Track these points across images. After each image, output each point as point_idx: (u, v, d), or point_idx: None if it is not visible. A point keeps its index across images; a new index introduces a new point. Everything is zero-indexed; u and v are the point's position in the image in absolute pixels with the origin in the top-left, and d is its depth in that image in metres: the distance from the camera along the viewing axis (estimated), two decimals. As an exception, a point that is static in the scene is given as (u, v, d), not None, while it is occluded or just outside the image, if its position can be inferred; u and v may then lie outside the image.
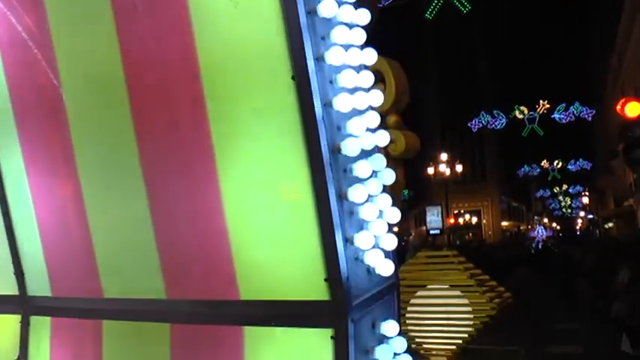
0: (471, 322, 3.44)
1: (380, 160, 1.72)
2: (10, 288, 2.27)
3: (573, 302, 12.03)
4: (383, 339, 1.72)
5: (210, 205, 1.69)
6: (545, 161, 44.73)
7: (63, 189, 2.05)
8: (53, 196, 2.09)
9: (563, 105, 37.03)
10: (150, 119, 1.80)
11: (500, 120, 38.79)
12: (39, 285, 2.19)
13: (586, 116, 37.43)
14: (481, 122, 39.24)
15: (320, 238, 1.57)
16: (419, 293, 3.54)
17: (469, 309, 3.49)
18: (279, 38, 1.52)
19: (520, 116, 38.35)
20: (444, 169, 27.28)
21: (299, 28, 1.50)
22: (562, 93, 38.73)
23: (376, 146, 1.71)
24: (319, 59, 1.54)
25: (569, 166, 43.91)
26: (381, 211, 1.69)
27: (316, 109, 1.52)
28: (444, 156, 27.78)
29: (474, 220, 41.21)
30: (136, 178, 1.81)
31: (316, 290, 1.60)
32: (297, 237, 1.61)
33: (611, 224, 44.20)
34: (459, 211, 39.68)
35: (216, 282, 1.75)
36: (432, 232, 26.97)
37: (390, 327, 1.75)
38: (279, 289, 1.66)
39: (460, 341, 3.44)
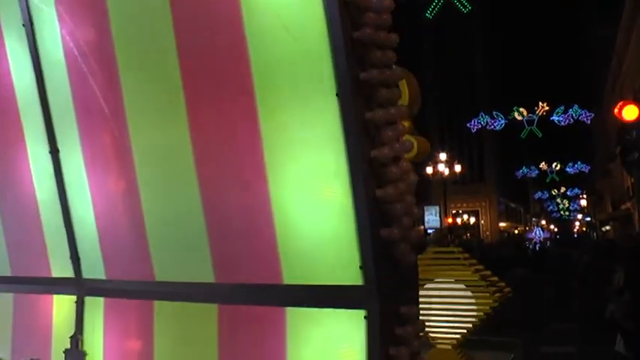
0: (475, 314, 3.73)
1: (406, 165, 2.00)
2: (66, 271, 2.54)
3: (569, 303, 12.13)
4: (406, 321, 2.00)
5: (259, 200, 1.97)
6: (543, 163, 45.07)
7: (119, 178, 2.31)
8: (109, 185, 2.35)
9: (562, 107, 37.32)
10: (205, 124, 2.07)
11: (500, 121, 39.10)
12: (93, 269, 2.45)
13: (585, 119, 37.71)
14: (480, 123, 39.49)
15: (356, 231, 1.85)
16: (427, 286, 3.83)
17: (473, 301, 3.78)
18: (325, 59, 1.79)
19: (519, 118, 38.64)
20: (442, 168, 27.51)
21: (342, 51, 1.78)
22: (561, 95, 39.09)
23: (403, 153, 1.99)
24: (358, 78, 1.82)
25: (568, 169, 44.28)
26: (407, 209, 1.97)
27: (355, 122, 1.79)
28: (442, 156, 27.99)
29: (472, 220, 41.53)
30: (189, 170, 2.09)
31: (351, 276, 1.87)
32: (335, 230, 1.89)
33: (608, 227, 44.57)
34: (457, 211, 39.98)
35: (262, 268, 2.02)
36: (429, 231, 27.26)
37: (412, 310, 2.04)
38: (318, 275, 1.93)
39: (465, 331, 3.73)
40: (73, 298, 2.53)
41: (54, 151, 2.46)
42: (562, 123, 38.19)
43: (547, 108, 38.01)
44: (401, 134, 1.98)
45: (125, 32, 2.20)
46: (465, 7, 47.69)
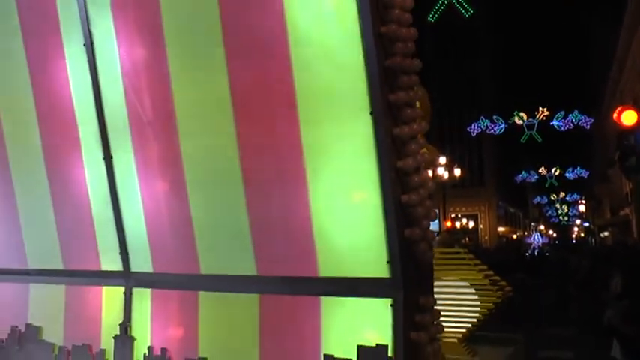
0: (479, 310, 4.06)
1: (426, 174, 2.33)
2: (116, 265, 2.85)
3: (567, 308, 12.39)
4: (424, 309, 2.32)
5: (299, 202, 2.28)
6: (542, 168, 45.41)
7: (168, 180, 2.62)
8: (158, 186, 2.66)
9: (562, 112, 37.69)
10: (251, 132, 2.38)
11: (499, 125, 39.47)
12: (141, 262, 2.76)
13: (584, 124, 38.04)
14: (480, 127, 39.83)
15: (384, 231, 2.16)
16: (434, 284, 4.14)
17: (477, 298, 4.11)
18: (361, 83, 2.11)
19: (519, 122, 39.00)
20: (442, 172, 27.82)
21: (376, 76, 2.10)
22: (561, 100, 39.51)
23: (423, 164, 2.31)
24: (388, 99, 2.14)
25: (567, 174, 44.65)
26: (426, 213, 2.29)
27: (385, 137, 2.12)
28: (442, 159, 28.29)
29: (471, 224, 41.90)
30: (235, 173, 2.40)
31: (380, 270, 2.19)
32: (366, 229, 2.21)
33: (606, 233, 44.96)
34: (456, 215, 40.34)
35: (300, 262, 2.33)
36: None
37: (429, 300, 2.36)
38: (350, 268, 2.25)
39: (470, 325, 4.06)
40: (122, 289, 2.84)
41: (107, 157, 2.77)
42: (562, 128, 38.50)
43: (547, 113, 38.34)
44: (421, 147, 2.30)
45: (178, 49, 2.52)
46: (467, 11, 48.16)
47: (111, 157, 2.76)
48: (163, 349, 2.65)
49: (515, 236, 50.29)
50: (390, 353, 2.17)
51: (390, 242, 2.17)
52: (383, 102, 2.11)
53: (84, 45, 2.71)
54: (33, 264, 3.20)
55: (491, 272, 4.52)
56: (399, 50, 2.14)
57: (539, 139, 39.17)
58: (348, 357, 2.21)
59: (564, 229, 61.29)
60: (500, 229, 47.22)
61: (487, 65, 46.70)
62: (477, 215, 44.59)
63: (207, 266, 2.58)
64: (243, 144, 2.38)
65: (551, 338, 10.59)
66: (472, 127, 39.62)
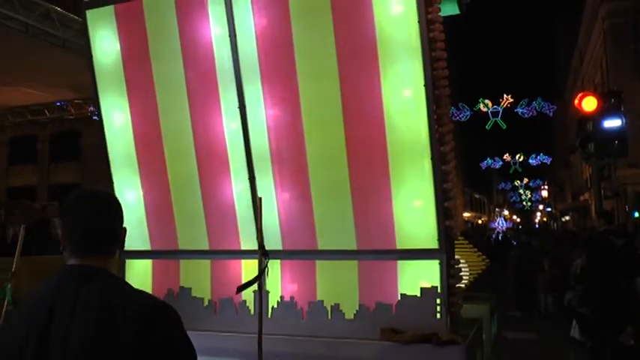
0: (468, 275, 6.08)
1: (456, 180, 4.30)
2: (252, 245, 4.69)
3: (530, 291, 13.49)
4: (454, 266, 4.29)
5: (386, 204, 4.20)
6: (507, 154, 48.16)
7: (297, 190, 4.48)
8: (288, 195, 4.52)
9: (526, 100, 40.37)
10: (358, 166, 4.28)
11: (465, 112, 41.95)
12: (274, 243, 4.61)
13: (547, 111, 40.82)
14: (446, 114, 41.84)
15: (435, 221, 4.11)
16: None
17: (467, 267, 6.12)
18: (426, 142, 4.04)
19: (484, 109, 41.53)
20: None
21: (435, 139, 4.03)
22: (525, 88, 42.29)
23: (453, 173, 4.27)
24: (440, 150, 4.07)
25: (531, 160, 47.53)
26: (456, 209, 4.26)
27: (438, 171, 4.06)
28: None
29: (438, 211, 44.16)
30: (345, 187, 4.29)
31: (432, 243, 4.14)
32: (425, 221, 4.15)
33: (568, 217, 48.44)
34: (424, 203, 42.52)
35: (384, 240, 4.26)
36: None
37: (455, 261, 4.34)
38: (415, 243, 4.19)
39: (463, 286, 6.07)
40: (257, 261, 4.70)
41: (252, 178, 4.61)
42: (526, 115, 40.85)
43: (511, 100, 40.66)
44: (454, 175, 4.26)
45: (309, 111, 4.37)
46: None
47: (254, 178, 4.60)
48: (292, 297, 4.55)
49: (480, 221, 53.52)
50: (439, 291, 4.14)
51: (438, 228, 4.12)
52: (437, 152, 4.05)
53: (238, 107, 4.54)
54: (183, 245, 5.01)
55: (475, 249, 6.59)
56: (446, 132, 4.09)
57: (504, 126, 41.58)
58: (415, 294, 4.17)
59: (528, 214, 65.14)
60: (466, 214, 50.21)
61: (452, 53, 49.15)
62: (443, 202, 47.28)
63: (322, 244, 4.47)
64: (353, 177, 4.27)
65: (514, 320, 12.06)
66: (438, 113, 41.74)
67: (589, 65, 38.05)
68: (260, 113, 4.49)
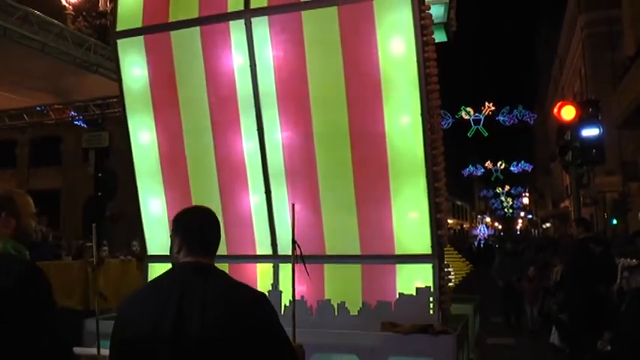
0: (453, 279, 6.87)
1: (446, 194, 5.08)
2: (266, 250, 5.41)
3: (516, 302, 13.27)
4: (444, 269, 5.06)
5: (386, 215, 4.96)
6: (489, 162, 49.44)
7: (309, 202, 5.21)
8: (302, 206, 5.25)
9: (508, 108, 41.66)
10: (363, 185, 5.03)
11: (447, 120, 43.12)
12: (287, 249, 5.34)
13: (528, 119, 42.19)
14: (428, 121, 42.87)
15: (429, 230, 4.88)
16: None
17: (453, 271, 6.92)
18: (422, 163, 4.81)
19: (466, 117, 42.74)
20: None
21: (430, 163, 4.80)
22: (507, 96, 43.55)
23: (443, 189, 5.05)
24: (433, 169, 4.85)
25: (512, 168, 48.87)
26: (445, 220, 5.04)
27: (432, 188, 4.83)
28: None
29: (421, 217, 45.17)
30: (351, 201, 5.04)
31: (427, 249, 4.91)
32: (420, 230, 4.92)
33: (548, 224, 49.81)
34: (407, 209, 43.51)
35: (384, 245, 5.02)
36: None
37: (445, 265, 5.12)
38: (412, 249, 4.96)
39: (451, 285, 6.86)
40: (271, 265, 5.42)
41: (267, 192, 5.34)
42: (507, 123, 42.08)
43: (493, 108, 41.82)
44: (444, 190, 5.03)
45: (321, 135, 5.12)
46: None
47: (270, 191, 5.33)
48: (302, 296, 5.27)
49: (462, 228, 54.71)
50: (432, 290, 4.91)
51: (431, 236, 4.90)
52: (431, 171, 4.82)
53: (256, 130, 5.27)
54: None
55: (459, 255, 7.39)
56: (439, 154, 4.87)
57: (486, 134, 42.75)
58: (411, 293, 4.93)
59: (509, 221, 66.61)
60: (449, 221, 51.27)
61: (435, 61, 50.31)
62: (425, 208, 48.33)
63: (330, 249, 5.22)
64: (358, 191, 5.03)
65: (494, 326, 12.04)
66: (421, 121, 42.75)
67: (569, 74, 39.33)
68: (276, 135, 5.23)
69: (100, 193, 18.42)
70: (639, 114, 19.19)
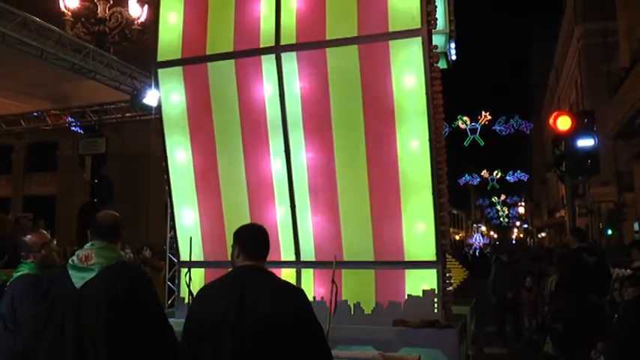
0: (452, 282, 7.76)
1: (447, 206, 5.98)
2: (290, 257, 6.27)
3: (505, 309, 13.06)
4: (447, 274, 5.95)
5: (397, 227, 5.85)
6: (485, 171, 50.34)
7: (329, 215, 6.09)
8: (322, 218, 6.13)
9: (504, 117, 42.59)
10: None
11: (444, 129, 43.96)
12: (308, 255, 6.20)
13: (525, 129, 43.10)
14: (425, 130, 43.61)
15: (434, 240, 5.77)
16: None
17: (452, 276, 7.81)
18: (430, 181, 5.70)
19: (463, 126, 43.64)
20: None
21: (436, 182, 5.70)
22: (503, 106, 44.48)
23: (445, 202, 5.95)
24: (439, 187, 5.74)
25: (508, 177, 49.81)
26: (447, 232, 5.93)
27: (438, 203, 5.73)
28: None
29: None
30: (367, 215, 5.94)
31: (431, 257, 5.80)
32: (426, 239, 5.81)
33: (544, 234, 50.81)
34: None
35: (395, 252, 5.90)
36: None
37: (448, 270, 6.01)
38: (419, 256, 5.85)
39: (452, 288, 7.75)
40: (294, 270, 6.29)
41: (292, 206, 6.21)
42: (503, 132, 42.79)
43: (489, 117, 42.55)
44: (447, 204, 5.93)
45: (341, 156, 6.01)
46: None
47: (294, 205, 6.21)
48: (322, 297, 6.15)
49: (457, 237, 55.70)
50: (436, 292, 5.79)
51: (436, 245, 5.79)
52: (436, 189, 5.72)
53: (284, 151, 6.15)
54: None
55: (457, 262, 8.32)
56: (443, 174, 5.77)
57: (482, 143, 43.51)
58: (418, 295, 5.81)
59: (505, 230, 67.68)
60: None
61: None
62: (421, 217, 49.21)
63: (347, 255, 6.09)
64: (373, 205, 5.92)
65: (487, 336, 12.43)
66: (418, 129, 43.56)
67: (565, 84, 40.30)
68: (301, 156, 6.12)
69: (95, 200, 18.84)
70: (634, 125, 19.97)
